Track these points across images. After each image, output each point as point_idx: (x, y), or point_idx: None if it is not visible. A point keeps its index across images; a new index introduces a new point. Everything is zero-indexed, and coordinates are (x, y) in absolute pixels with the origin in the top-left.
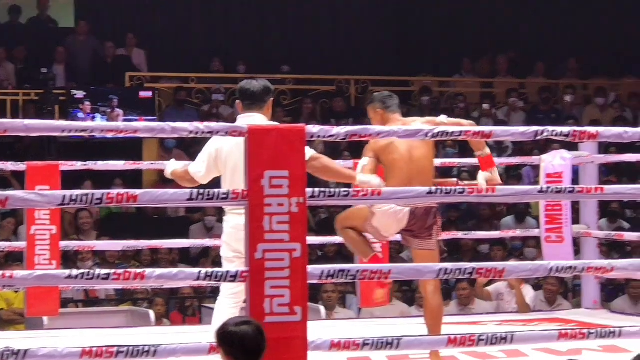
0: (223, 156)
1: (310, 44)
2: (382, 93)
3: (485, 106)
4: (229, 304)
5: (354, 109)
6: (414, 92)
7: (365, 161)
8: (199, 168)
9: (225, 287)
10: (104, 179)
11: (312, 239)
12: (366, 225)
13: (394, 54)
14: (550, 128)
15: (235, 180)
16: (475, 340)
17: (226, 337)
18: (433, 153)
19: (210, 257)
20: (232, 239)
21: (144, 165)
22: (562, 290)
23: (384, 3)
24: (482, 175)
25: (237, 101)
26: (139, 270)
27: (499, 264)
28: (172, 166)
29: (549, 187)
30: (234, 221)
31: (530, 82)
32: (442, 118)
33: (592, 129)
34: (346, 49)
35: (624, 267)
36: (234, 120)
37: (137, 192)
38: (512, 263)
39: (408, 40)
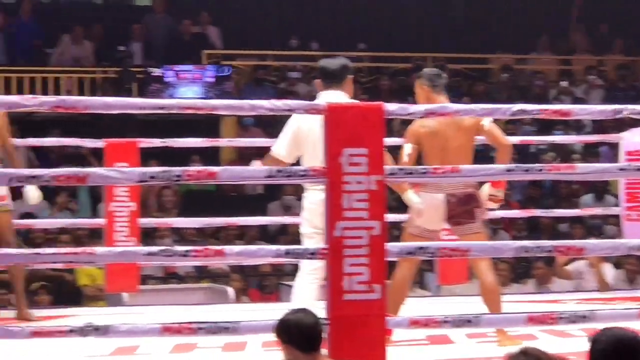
0: (303, 134)
1: (386, 21)
2: (432, 70)
3: (563, 84)
4: (309, 280)
5: None
6: (491, 69)
7: (408, 149)
8: (280, 149)
9: (306, 264)
10: (180, 157)
11: (390, 217)
12: (413, 230)
13: (471, 31)
14: (630, 106)
15: (315, 157)
16: (556, 318)
17: (283, 326)
18: (471, 145)
19: (288, 234)
20: (312, 214)
21: (222, 142)
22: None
23: None
24: (486, 189)
25: (317, 79)
26: (218, 247)
27: (578, 242)
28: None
29: (629, 165)
30: (315, 197)
31: (609, 60)
32: (486, 122)
33: None
34: (423, 25)
35: None
36: (311, 98)
37: (216, 169)
38: (591, 241)
39: (485, 17)
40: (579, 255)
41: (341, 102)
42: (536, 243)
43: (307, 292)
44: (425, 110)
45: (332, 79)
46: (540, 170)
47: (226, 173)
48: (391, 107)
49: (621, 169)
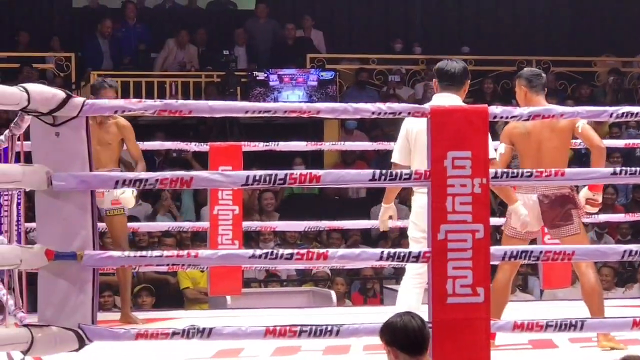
0: (412, 137)
1: (489, 24)
2: (531, 70)
3: None
4: (414, 284)
5: None
6: (596, 72)
7: (502, 148)
8: (395, 155)
9: (411, 267)
10: (284, 161)
11: (493, 220)
12: (509, 232)
13: (575, 33)
14: None
15: (423, 161)
16: None
17: (389, 328)
18: (567, 146)
19: (389, 239)
20: (419, 218)
21: (325, 146)
22: None
23: None
24: (584, 193)
25: (434, 80)
26: (321, 250)
27: None
28: None
29: None
30: (422, 200)
31: None
32: (580, 124)
33: None
34: (526, 28)
35: None
36: (414, 101)
37: (320, 172)
38: None
39: (588, 18)
40: None
41: (455, 105)
42: None
43: (412, 296)
44: (529, 113)
45: (451, 81)
46: None
47: (330, 176)
48: (496, 109)
49: None
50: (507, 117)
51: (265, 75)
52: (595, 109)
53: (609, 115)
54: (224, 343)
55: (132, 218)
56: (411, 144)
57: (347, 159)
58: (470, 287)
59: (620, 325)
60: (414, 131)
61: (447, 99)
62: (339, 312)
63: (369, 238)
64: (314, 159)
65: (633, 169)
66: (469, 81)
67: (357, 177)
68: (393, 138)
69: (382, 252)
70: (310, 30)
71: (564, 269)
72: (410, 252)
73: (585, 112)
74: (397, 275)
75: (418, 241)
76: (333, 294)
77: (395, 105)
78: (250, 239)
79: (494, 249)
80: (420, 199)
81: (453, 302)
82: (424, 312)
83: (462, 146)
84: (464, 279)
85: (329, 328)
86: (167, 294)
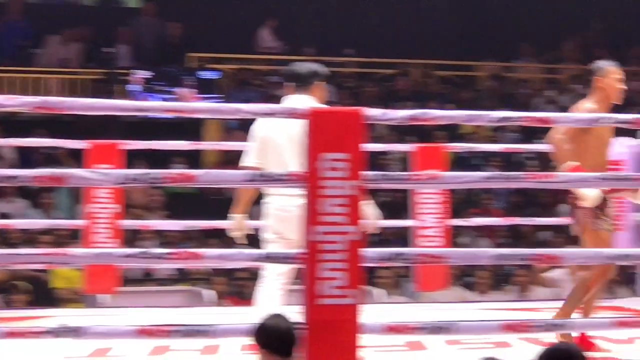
0: (267, 140)
1: (374, 27)
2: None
3: (549, 93)
4: (275, 285)
5: (417, 93)
6: (477, 77)
7: None
8: (250, 159)
9: (271, 269)
10: (168, 160)
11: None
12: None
13: (457, 38)
14: (609, 115)
15: (280, 162)
16: (530, 326)
17: (260, 330)
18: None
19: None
20: (277, 220)
21: (205, 145)
22: (620, 278)
23: None
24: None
25: (285, 83)
26: (195, 250)
27: (554, 251)
28: None
29: (609, 174)
30: (279, 203)
31: None
32: None
33: None
34: (409, 32)
35: None
36: None
37: (195, 172)
38: (567, 250)
39: (471, 24)
40: (556, 264)
41: (308, 106)
42: (513, 251)
43: (273, 297)
44: (405, 116)
45: (298, 82)
46: (519, 178)
47: (205, 176)
48: (372, 112)
49: (601, 179)
50: (383, 120)
51: (148, 73)
52: (475, 113)
53: (488, 119)
54: (99, 342)
55: (4, 215)
56: (265, 147)
57: (228, 159)
58: (341, 289)
59: (491, 328)
60: (267, 133)
61: (297, 101)
62: (214, 312)
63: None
64: (196, 159)
65: (507, 173)
66: (323, 83)
67: (233, 178)
68: None
69: (258, 252)
70: (195, 29)
71: (440, 271)
72: (285, 253)
73: (465, 116)
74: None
75: (273, 242)
76: (210, 293)
77: (274, 106)
78: (134, 239)
79: (366, 251)
80: (276, 201)
81: (324, 303)
82: (293, 313)
83: (338, 148)
84: (336, 281)
85: (201, 328)
86: (42, 292)
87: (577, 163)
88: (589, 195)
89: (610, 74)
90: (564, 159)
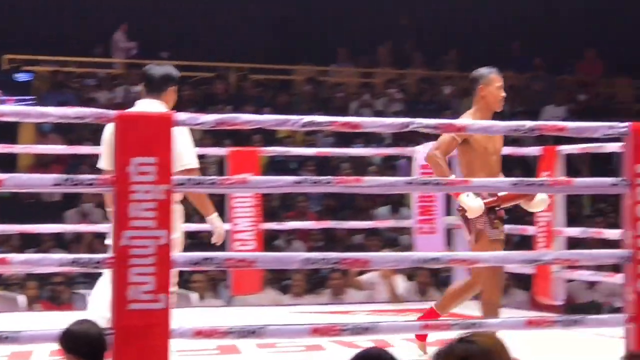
0: (109, 143)
1: (191, 30)
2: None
3: (365, 96)
4: (105, 290)
5: (234, 96)
6: (294, 80)
7: None
8: (102, 162)
9: (106, 273)
10: None
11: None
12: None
13: (274, 42)
14: (418, 120)
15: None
16: (339, 330)
17: (67, 335)
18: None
19: (83, 243)
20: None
21: (18, 148)
22: (433, 281)
23: None
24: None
25: (141, 85)
26: (1, 255)
27: (363, 255)
28: None
29: (415, 179)
30: None
31: (409, 73)
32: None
33: (459, 122)
34: (227, 35)
35: (487, 259)
36: (114, 106)
37: (2, 176)
38: (376, 254)
39: (287, 28)
40: (365, 268)
41: (156, 110)
42: (322, 255)
43: (103, 302)
44: (215, 120)
45: (151, 86)
46: (328, 182)
47: (12, 180)
48: (181, 116)
49: (408, 183)
50: (193, 124)
51: None
52: (282, 118)
53: (294, 124)
54: None
55: None
56: (111, 150)
57: (43, 162)
58: (152, 294)
59: (300, 332)
60: (107, 136)
61: (147, 105)
62: (25, 318)
63: (63, 242)
64: (10, 162)
65: (315, 177)
66: (175, 87)
67: (40, 182)
68: (91, 141)
69: (65, 257)
70: (9, 30)
71: (254, 275)
72: (92, 258)
73: (273, 121)
74: (90, 280)
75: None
76: (22, 298)
77: (82, 110)
78: None
79: (176, 255)
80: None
81: (134, 308)
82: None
83: (147, 152)
84: (145, 285)
85: (5, 335)
86: None
87: (454, 176)
88: (470, 205)
89: (494, 82)
90: (442, 175)
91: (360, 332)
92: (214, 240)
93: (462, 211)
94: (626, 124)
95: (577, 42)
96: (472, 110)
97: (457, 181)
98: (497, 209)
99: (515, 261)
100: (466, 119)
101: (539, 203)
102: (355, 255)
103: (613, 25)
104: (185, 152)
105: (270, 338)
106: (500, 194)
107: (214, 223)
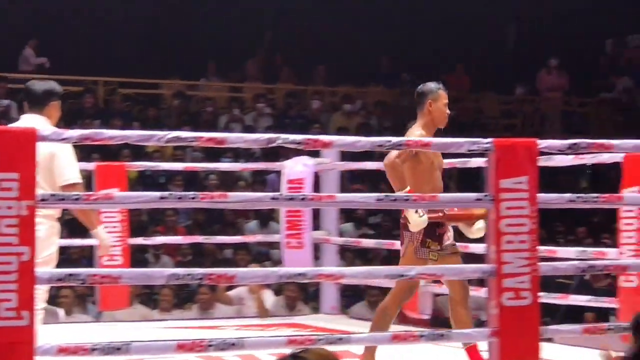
0: None
1: (59, 43)
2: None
3: (234, 111)
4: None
5: (103, 110)
6: (163, 95)
7: None
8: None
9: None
10: None
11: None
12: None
13: (142, 55)
14: (284, 135)
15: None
16: (205, 346)
17: None
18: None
19: None
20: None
21: None
22: (302, 296)
23: (135, 4)
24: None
25: (24, 101)
26: None
27: (229, 270)
28: None
29: (281, 194)
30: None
31: (278, 88)
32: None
33: (325, 138)
34: (95, 49)
35: (352, 275)
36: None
37: None
38: (242, 269)
39: (156, 42)
40: (232, 283)
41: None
42: (187, 271)
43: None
44: (80, 136)
45: (33, 101)
46: (194, 198)
47: None
48: (45, 132)
49: (274, 199)
50: (57, 139)
51: None
52: (146, 133)
53: (159, 139)
54: None
55: None
56: None
57: None
58: (14, 311)
59: (165, 348)
60: None
61: (29, 120)
62: None
63: None
64: None
65: (180, 193)
66: (58, 102)
67: None
68: None
69: None
70: None
71: (121, 290)
72: None
73: (137, 136)
74: None
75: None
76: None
77: None
78: None
79: (39, 271)
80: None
81: None
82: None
83: (9, 168)
84: (8, 302)
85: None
86: None
87: (408, 189)
88: (414, 219)
89: (442, 98)
90: (399, 181)
91: (226, 348)
92: (100, 253)
93: (405, 223)
94: (490, 139)
95: (445, 58)
96: (419, 124)
97: (323, 196)
98: (438, 227)
99: (381, 276)
100: (417, 132)
101: (477, 231)
102: (221, 270)
103: (479, 40)
104: (67, 167)
105: (135, 355)
106: (447, 211)
107: (99, 236)
